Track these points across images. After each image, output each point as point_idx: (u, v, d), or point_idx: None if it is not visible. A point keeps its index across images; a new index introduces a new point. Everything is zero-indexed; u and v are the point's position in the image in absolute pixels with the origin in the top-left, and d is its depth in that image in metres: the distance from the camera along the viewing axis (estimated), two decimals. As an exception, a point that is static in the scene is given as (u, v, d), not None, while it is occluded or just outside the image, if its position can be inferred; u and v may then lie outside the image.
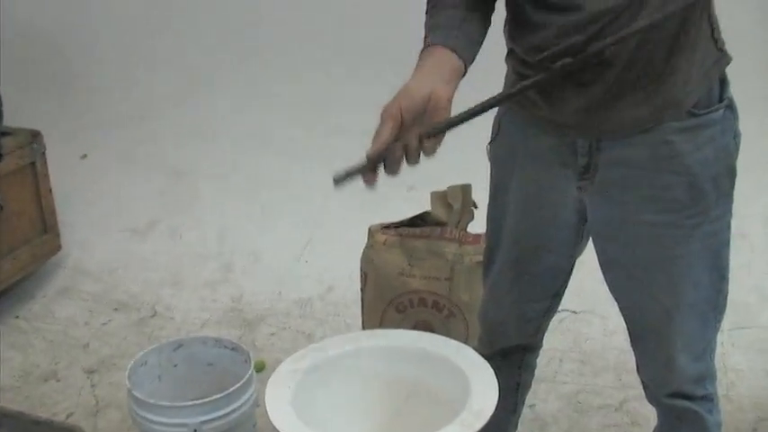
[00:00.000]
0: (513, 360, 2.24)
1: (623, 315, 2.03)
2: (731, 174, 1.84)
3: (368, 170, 1.65)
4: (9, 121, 3.77)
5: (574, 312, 3.52)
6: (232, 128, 4.55)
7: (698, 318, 1.93)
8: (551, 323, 3.46)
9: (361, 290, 2.90)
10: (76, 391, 3.30)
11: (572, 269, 2.13)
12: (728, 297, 3.54)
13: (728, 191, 1.84)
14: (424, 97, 1.63)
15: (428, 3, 1.82)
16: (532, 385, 3.17)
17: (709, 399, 2.05)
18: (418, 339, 2.01)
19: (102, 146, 4.63)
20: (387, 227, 2.85)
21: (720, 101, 1.80)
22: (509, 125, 2.00)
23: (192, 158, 4.55)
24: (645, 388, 2.12)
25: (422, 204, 2.91)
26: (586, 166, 1.85)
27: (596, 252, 2.00)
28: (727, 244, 1.90)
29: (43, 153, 3.88)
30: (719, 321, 1.98)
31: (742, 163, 3.72)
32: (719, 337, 3.33)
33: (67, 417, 3.13)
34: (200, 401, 2.40)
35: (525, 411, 3.04)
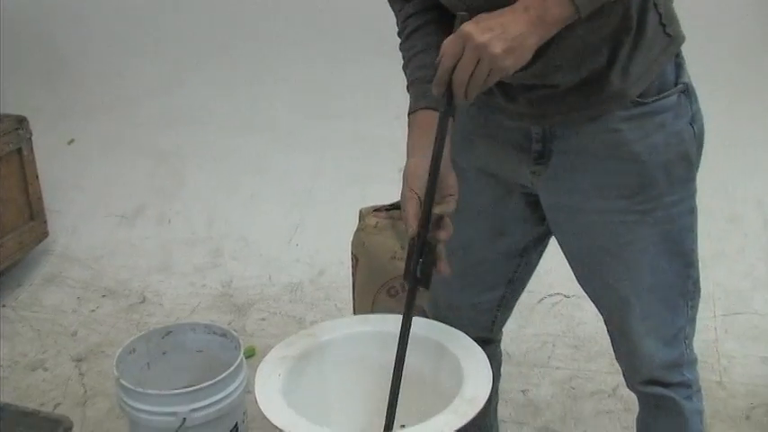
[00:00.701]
0: None
1: (592, 299, 2.03)
2: (686, 160, 1.81)
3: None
4: (-5, 107, 3.75)
5: (566, 296, 3.50)
6: (220, 113, 4.52)
7: (662, 304, 1.92)
8: (544, 306, 3.50)
9: (352, 274, 2.87)
10: (64, 381, 3.28)
11: (530, 258, 2.11)
12: (720, 281, 3.57)
13: (684, 177, 1.82)
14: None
15: (403, 58, 1.86)
16: (525, 370, 3.18)
17: (687, 385, 2.03)
18: (413, 325, 1.97)
19: (90, 131, 4.60)
20: (378, 210, 2.82)
21: (675, 85, 1.77)
22: (470, 107, 1.95)
23: (179, 143, 4.52)
24: (623, 375, 2.11)
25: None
26: (540, 151, 1.84)
27: (557, 241, 2.01)
28: (689, 230, 1.88)
29: (30, 139, 3.86)
30: (693, 308, 1.97)
31: (734, 148, 3.73)
32: (712, 323, 3.38)
33: (55, 407, 3.11)
34: (189, 389, 2.37)
35: (518, 397, 3.05)
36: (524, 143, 1.85)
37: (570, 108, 1.77)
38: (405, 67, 1.86)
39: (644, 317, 1.92)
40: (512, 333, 3.31)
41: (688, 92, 1.79)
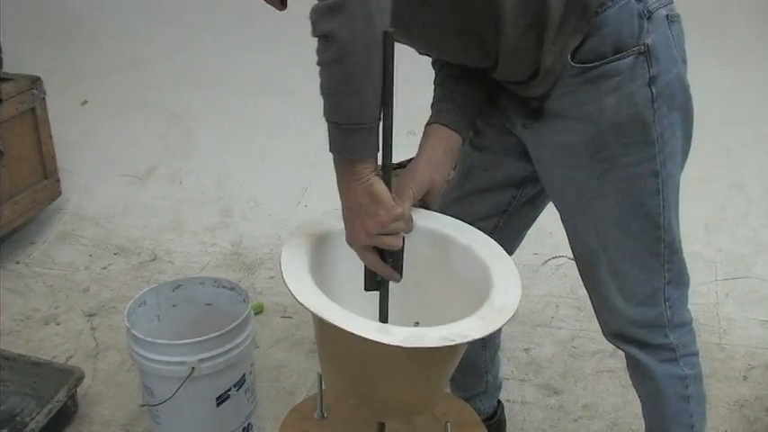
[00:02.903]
0: None
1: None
2: (639, 122, 1.80)
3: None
4: (9, 68, 3.78)
5: (570, 259, 3.51)
6: (232, 75, 4.54)
7: (632, 262, 1.96)
8: (548, 267, 3.55)
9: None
10: (76, 335, 3.33)
11: (526, 191, 2.16)
12: (722, 246, 3.60)
13: (640, 139, 1.82)
14: (427, 182, 1.88)
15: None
16: (528, 330, 3.22)
17: (670, 348, 2.07)
18: (443, 224, 1.95)
19: (103, 92, 4.62)
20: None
21: (633, 47, 1.75)
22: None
23: (191, 104, 4.55)
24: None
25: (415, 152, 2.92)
26: (537, 108, 1.89)
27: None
28: (654, 192, 1.88)
29: (43, 99, 3.89)
30: (672, 271, 1.99)
31: (738, 115, 3.74)
32: (713, 287, 3.42)
33: (67, 359, 3.16)
34: (198, 339, 2.41)
35: (521, 355, 3.10)
36: (525, 98, 1.92)
37: (535, 86, 1.84)
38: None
39: (612, 272, 1.97)
40: (516, 294, 3.35)
41: (649, 53, 1.76)
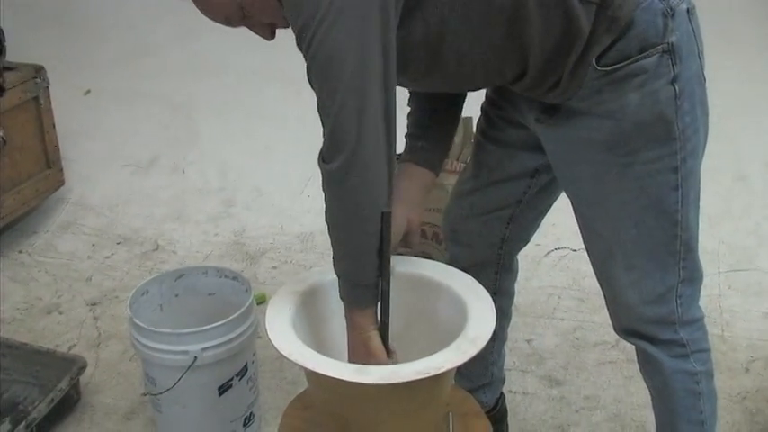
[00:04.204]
0: (486, 282, 2.26)
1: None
2: (662, 120, 1.81)
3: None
4: (13, 57, 3.78)
5: (573, 250, 3.54)
6: (235, 64, 4.54)
7: (648, 258, 1.96)
8: (551, 259, 3.55)
9: (362, 223, 2.91)
10: (79, 324, 3.34)
11: (540, 180, 2.18)
12: (725, 239, 3.60)
13: (662, 136, 1.83)
14: (405, 224, 2.02)
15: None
16: (531, 321, 3.22)
17: (680, 344, 2.06)
18: (419, 266, 2.03)
19: (106, 82, 4.62)
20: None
21: (658, 45, 1.76)
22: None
23: (194, 94, 4.55)
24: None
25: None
26: (552, 105, 1.90)
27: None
28: (672, 188, 1.89)
29: (47, 88, 3.89)
30: (686, 269, 1.98)
31: (742, 108, 3.74)
32: (716, 279, 3.42)
33: (70, 348, 3.17)
34: (201, 329, 2.41)
35: (523, 346, 3.10)
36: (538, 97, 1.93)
37: (553, 96, 1.86)
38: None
39: (627, 268, 1.96)
40: (519, 285, 3.32)
41: (672, 51, 1.77)
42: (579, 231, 2.05)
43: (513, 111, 2.05)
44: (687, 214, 1.92)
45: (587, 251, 2.07)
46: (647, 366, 2.13)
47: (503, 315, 2.43)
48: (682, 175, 1.87)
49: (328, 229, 1.81)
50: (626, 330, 2.08)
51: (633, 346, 2.13)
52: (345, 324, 1.88)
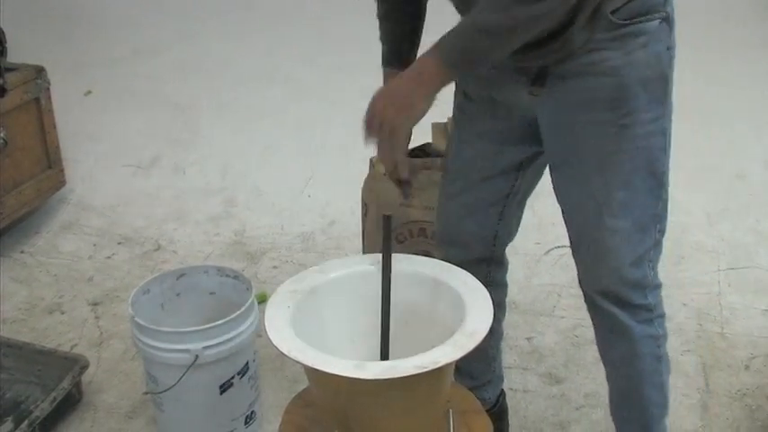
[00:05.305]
0: (479, 276, 2.28)
1: (564, 218, 2.13)
2: (663, 79, 1.92)
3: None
4: (14, 58, 3.79)
5: (573, 249, 3.54)
6: (235, 65, 4.56)
7: (632, 221, 2.01)
8: (550, 257, 3.55)
9: (362, 221, 2.92)
10: (80, 323, 3.34)
11: (525, 173, 2.22)
12: (725, 236, 3.62)
13: (661, 97, 1.93)
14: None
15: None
16: (531, 319, 3.23)
17: (648, 308, 2.13)
18: (416, 264, 2.03)
19: (106, 82, 4.64)
20: (388, 157, 2.85)
21: (659, 12, 1.87)
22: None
23: (195, 94, 4.56)
24: (584, 297, 2.19)
25: (424, 139, 2.93)
26: (539, 73, 1.95)
27: (545, 155, 2.12)
28: (662, 151, 1.97)
29: (47, 89, 3.89)
30: (660, 232, 2.06)
31: (742, 107, 3.76)
32: (716, 277, 3.43)
33: (72, 348, 3.17)
34: (202, 327, 2.43)
35: (523, 344, 3.11)
36: (524, 66, 1.96)
37: (553, 51, 1.88)
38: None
39: (613, 230, 2.00)
40: (519, 283, 3.37)
41: (669, 21, 1.90)
42: (561, 197, 2.09)
43: (506, 89, 2.05)
44: (668, 176, 2.02)
45: (569, 215, 2.10)
46: (613, 336, 2.17)
47: (498, 308, 2.44)
48: (668, 138, 1.97)
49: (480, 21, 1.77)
50: (603, 292, 2.10)
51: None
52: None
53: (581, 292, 3.33)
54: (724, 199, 3.83)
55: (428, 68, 1.81)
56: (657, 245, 2.07)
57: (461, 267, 2.06)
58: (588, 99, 1.92)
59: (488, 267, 2.38)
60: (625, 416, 2.32)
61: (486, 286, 2.02)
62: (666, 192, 2.03)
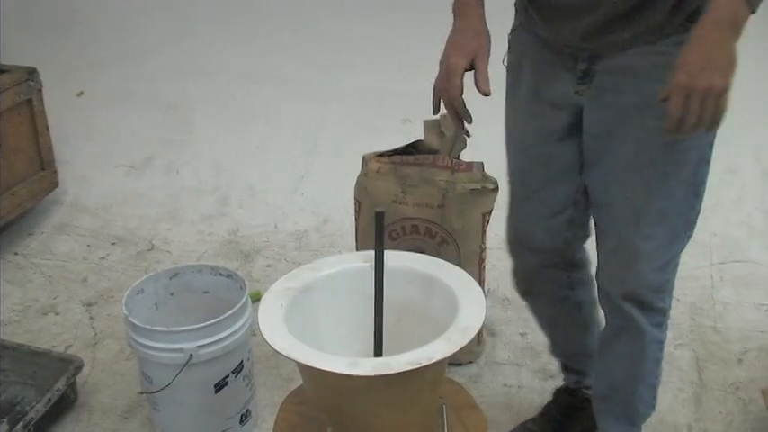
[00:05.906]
0: (561, 281, 2.31)
1: (594, 213, 2.13)
2: None
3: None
4: (5, 59, 3.79)
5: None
6: (228, 64, 4.55)
7: (667, 228, 2.00)
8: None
9: (355, 218, 2.92)
10: (75, 324, 3.34)
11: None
12: (717, 231, 3.62)
13: None
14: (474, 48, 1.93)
15: None
16: (525, 315, 3.22)
17: (663, 312, 2.14)
18: (409, 260, 2.04)
19: (99, 83, 4.63)
20: (380, 155, 2.86)
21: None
22: (516, 42, 2.12)
23: (187, 94, 4.56)
24: (599, 291, 2.19)
25: (416, 137, 2.93)
26: (585, 71, 1.94)
27: (583, 151, 2.08)
28: (706, 162, 1.97)
29: (40, 90, 3.89)
30: (688, 238, 2.06)
31: (733, 100, 3.76)
32: (708, 271, 3.44)
33: (66, 348, 3.17)
34: (196, 326, 2.43)
35: (517, 340, 3.12)
36: (569, 64, 1.96)
37: (615, 35, 1.86)
38: None
39: (645, 236, 2.00)
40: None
41: None
42: (593, 193, 2.08)
43: (552, 86, 2.04)
44: (705, 187, 2.01)
45: (601, 215, 2.09)
46: (624, 333, 2.17)
47: (592, 306, 2.43)
48: (712, 150, 1.96)
49: None
50: (627, 296, 2.09)
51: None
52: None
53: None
54: (716, 193, 3.82)
55: (742, 16, 1.70)
56: (681, 251, 2.07)
57: (539, 271, 2.09)
58: (641, 104, 1.89)
59: (569, 271, 2.35)
60: (613, 409, 2.33)
61: (570, 289, 2.03)
62: (701, 201, 2.02)
